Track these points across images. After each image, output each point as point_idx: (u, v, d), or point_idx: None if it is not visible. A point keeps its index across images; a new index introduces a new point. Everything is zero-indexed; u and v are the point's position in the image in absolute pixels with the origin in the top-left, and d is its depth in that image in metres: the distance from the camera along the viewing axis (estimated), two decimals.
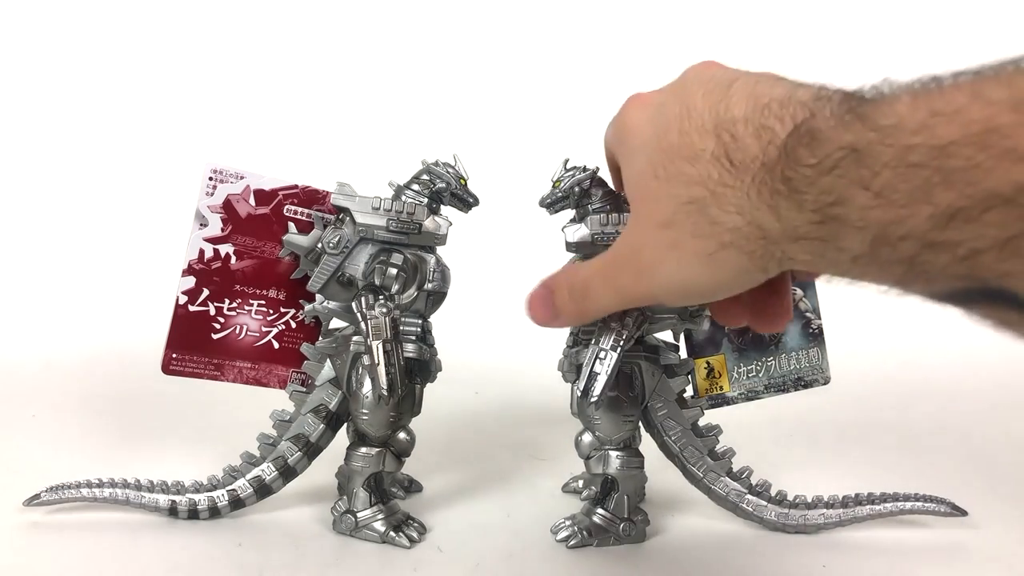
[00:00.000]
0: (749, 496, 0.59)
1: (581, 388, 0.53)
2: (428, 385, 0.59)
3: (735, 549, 0.58)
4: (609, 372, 0.52)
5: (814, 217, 0.33)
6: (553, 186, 0.56)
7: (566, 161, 0.57)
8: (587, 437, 0.58)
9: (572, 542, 0.57)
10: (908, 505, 0.60)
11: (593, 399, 0.53)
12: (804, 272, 0.42)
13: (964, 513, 0.61)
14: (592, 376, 0.53)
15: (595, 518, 0.58)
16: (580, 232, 0.55)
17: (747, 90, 0.38)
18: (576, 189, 0.55)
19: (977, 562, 0.57)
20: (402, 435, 0.58)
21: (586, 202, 0.56)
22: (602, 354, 0.53)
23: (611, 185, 0.55)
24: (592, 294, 0.46)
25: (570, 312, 0.48)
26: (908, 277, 0.32)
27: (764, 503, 0.60)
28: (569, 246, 0.56)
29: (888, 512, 0.60)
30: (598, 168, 0.55)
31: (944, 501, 0.61)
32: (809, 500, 0.60)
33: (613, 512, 0.58)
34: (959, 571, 0.56)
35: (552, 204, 0.57)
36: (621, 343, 0.53)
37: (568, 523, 0.59)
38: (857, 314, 1.08)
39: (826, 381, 0.62)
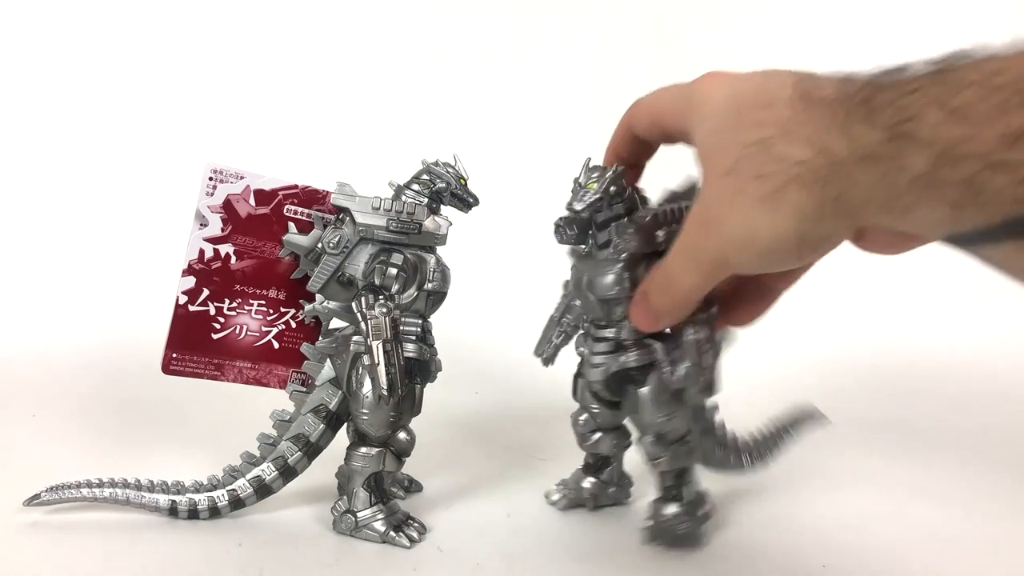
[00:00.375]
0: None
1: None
2: (428, 385, 0.59)
3: (735, 549, 0.58)
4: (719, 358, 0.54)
5: (884, 135, 0.35)
6: (585, 187, 0.53)
7: (588, 160, 0.55)
8: (646, 438, 0.57)
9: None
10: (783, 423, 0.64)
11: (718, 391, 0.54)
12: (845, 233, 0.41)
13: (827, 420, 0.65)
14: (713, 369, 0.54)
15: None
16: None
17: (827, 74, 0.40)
18: (612, 188, 0.53)
19: (976, 561, 0.57)
20: (402, 435, 0.58)
21: (616, 201, 0.53)
22: (706, 346, 0.53)
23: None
24: (674, 276, 0.47)
25: (663, 305, 0.49)
26: (962, 200, 0.33)
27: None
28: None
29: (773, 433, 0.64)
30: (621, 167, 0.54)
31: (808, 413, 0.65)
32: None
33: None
34: (959, 570, 0.56)
35: (592, 205, 0.53)
36: (710, 325, 0.53)
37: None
38: (853, 308, 1.08)
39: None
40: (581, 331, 0.60)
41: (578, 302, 0.58)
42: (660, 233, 0.53)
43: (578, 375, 0.60)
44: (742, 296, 0.52)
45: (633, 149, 0.54)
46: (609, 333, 0.56)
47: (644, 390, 0.55)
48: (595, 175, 0.53)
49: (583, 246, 0.56)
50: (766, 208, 0.39)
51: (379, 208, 0.56)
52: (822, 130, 0.37)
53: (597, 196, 0.53)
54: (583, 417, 0.61)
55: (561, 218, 0.55)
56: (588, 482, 0.62)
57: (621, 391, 0.57)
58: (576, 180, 0.54)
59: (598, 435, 0.61)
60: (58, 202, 1.05)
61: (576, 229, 0.54)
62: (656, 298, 0.49)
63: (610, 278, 0.53)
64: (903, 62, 0.37)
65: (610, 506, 0.63)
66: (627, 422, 0.61)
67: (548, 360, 0.62)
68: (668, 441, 0.56)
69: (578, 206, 0.53)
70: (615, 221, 0.53)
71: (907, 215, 0.36)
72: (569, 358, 0.62)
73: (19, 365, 0.87)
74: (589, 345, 0.57)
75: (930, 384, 0.96)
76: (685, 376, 0.53)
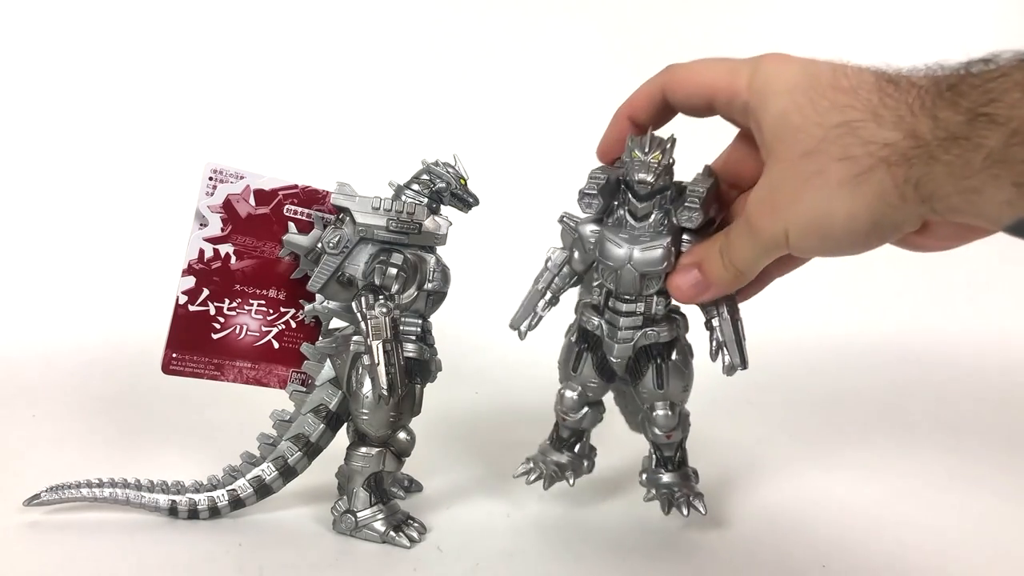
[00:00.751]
0: None
1: (739, 360, 0.55)
2: (428, 385, 0.59)
3: (734, 548, 0.58)
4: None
5: (966, 116, 0.36)
6: (648, 158, 0.53)
7: (649, 131, 0.54)
8: (663, 410, 0.58)
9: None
10: None
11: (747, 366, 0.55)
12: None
13: None
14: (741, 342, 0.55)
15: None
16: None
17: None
18: (672, 160, 0.54)
19: (976, 560, 0.57)
20: (402, 435, 0.58)
21: (670, 174, 0.54)
22: (739, 324, 0.55)
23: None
24: (735, 251, 0.47)
25: (718, 278, 0.49)
26: None
27: None
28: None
29: None
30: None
31: None
32: None
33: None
34: (959, 569, 0.56)
35: (661, 176, 0.53)
36: (733, 303, 0.55)
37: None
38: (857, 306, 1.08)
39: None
40: (587, 302, 0.59)
41: (601, 274, 0.56)
42: (712, 209, 0.54)
43: (585, 349, 0.59)
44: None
45: (654, 114, 0.53)
46: (638, 307, 0.56)
47: (673, 362, 0.57)
48: (657, 146, 0.53)
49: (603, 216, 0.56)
50: (845, 191, 0.39)
51: (379, 208, 0.56)
52: (911, 114, 0.38)
53: (667, 166, 0.53)
54: (574, 393, 0.60)
55: (591, 185, 0.54)
56: (564, 457, 0.62)
57: (637, 364, 0.58)
58: (632, 151, 0.53)
59: (585, 410, 0.60)
60: (58, 202, 1.04)
61: (603, 199, 0.54)
62: (712, 270, 0.50)
63: (659, 252, 0.53)
64: (990, 52, 0.38)
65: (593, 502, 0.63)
66: (611, 396, 0.62)
67: (529, 330, 0.59)
68: (679, 413, 0.58)
69: (649, 177, 0.53)
70: (660, 194, 0.53)
71: (976, 197, 0.37)
72: (554, 344, 0.61)
73: (19, 365, 0.87)
74: (610, 318, 0.56)
75: (931, 384, 0.96)
76: (731, 353, 0.55)
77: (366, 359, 0.55)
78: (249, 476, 0.59)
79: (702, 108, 0.50)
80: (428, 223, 0.56)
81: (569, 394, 0.60)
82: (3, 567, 0.52)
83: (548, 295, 0.59)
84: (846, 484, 0.67)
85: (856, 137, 0.39)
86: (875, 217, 0.40)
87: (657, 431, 0.58)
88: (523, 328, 0.59)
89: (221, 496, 0.59)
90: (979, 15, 1.17)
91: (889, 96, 0.39)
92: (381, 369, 0.54)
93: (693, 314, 0.59)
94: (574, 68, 1.15)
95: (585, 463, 0.62)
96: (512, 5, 1.16)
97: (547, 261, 0.59)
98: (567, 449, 0.62)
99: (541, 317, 0.59)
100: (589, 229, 0.56)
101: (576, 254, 0.57)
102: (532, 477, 0.61)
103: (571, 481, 0.61)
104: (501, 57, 1.15)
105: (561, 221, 0.58)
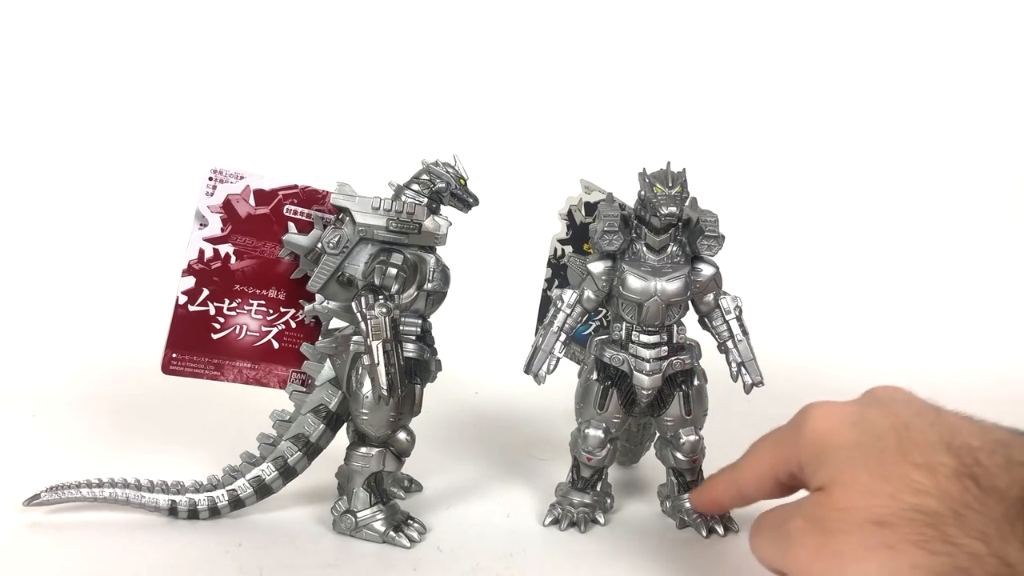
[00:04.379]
0: None
1: (759, 378, 0.59)
2: (428, 385, 0.59)
3: (734, 548, 0.58)
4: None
5: None
6: (672, 192, 0.56)
7: (668, 164, 0.57)
8: (688, 436, 0.60)
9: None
10: None
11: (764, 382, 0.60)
12: None
13: None
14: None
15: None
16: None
17: (960, 421, 0.41)
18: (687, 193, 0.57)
19: None
20: (402, 435, 0.58)
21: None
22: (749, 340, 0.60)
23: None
24: (763, 552, 0.45)
25: (756, 546, 0.46)
26: None
27: None
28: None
29: None
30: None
31: None
32: None
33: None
34: None
35: (683, 210, 0.56)
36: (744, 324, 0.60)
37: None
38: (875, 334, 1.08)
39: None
40: (605, 339, 0.60)
41: (621, 308, 0.58)
42: None
43: (609, 386, 0.59)
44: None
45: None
46: (662, 336, 0.58)
47: (695, 388, 0.60)
48: (676, 179, 0.56)
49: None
50: None
51: (379, 208, 0.56)
52: (998, 534, 0.35)
53: (686, 197, 0.57)
54: (598, 431, 0.60)
55: (610, 223, 0.56)
56: (588, 497, 0.61)
57: (661, 394, 0.59)
58: (652, 187, 0.56)
59: (607, 448, 0.60)
60: (58, 202, 1.04)
61: (624, 234, 0.57)
62: (756, 542, 0.46)
63: (682, 282, 0.57)
64: None
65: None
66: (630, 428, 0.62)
67: (548, 373, 0.59)
68: (701, 437, 0.61)
69: (675, 210, 0.55)
70: (672, 227, 0.57)
71: None
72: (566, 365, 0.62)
73: (19, 365, 0.87)
74: (635, 351, 0.58)
75: (931, 383, 0.96)
76: (751, 372, 0.59)
77: (366, 359, 0.55)
78: (249, 476, 0.59)
79: (778, 492, 0.49)
80: (428, 223, 0.56)
81: (593, 433, 0.60)
82: (3, 567, 0.52)
83: (563, 336, 0.59)
84: None
85: (937, 531, 0.36)
86: None
87: (682, 457, 0.60)
88: (542, 373, 0.59)
89: (221, 496, 0.59)
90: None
91: (972, 495, 0.36)
92: (381, 369, 0.54)
93: (699, 335, 0.61)
94: (574, 68, 1.15)
95: (608, 500, 0.62)
96: (512, 5, 1.16)
97: (558, 302, 0.59)
98: (590, 488, 0.61)
99: (559, 359, 0.60)
100: (600, 267, 0.58)
101: (588, 293, 0.58)
102: (564, 524, 0.60)
103: (602, 520, 0.61)
104: (501, 57, 1.15)
105: (569, 262, 0.59)
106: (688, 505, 0.60)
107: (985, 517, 0.36)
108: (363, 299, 0.55)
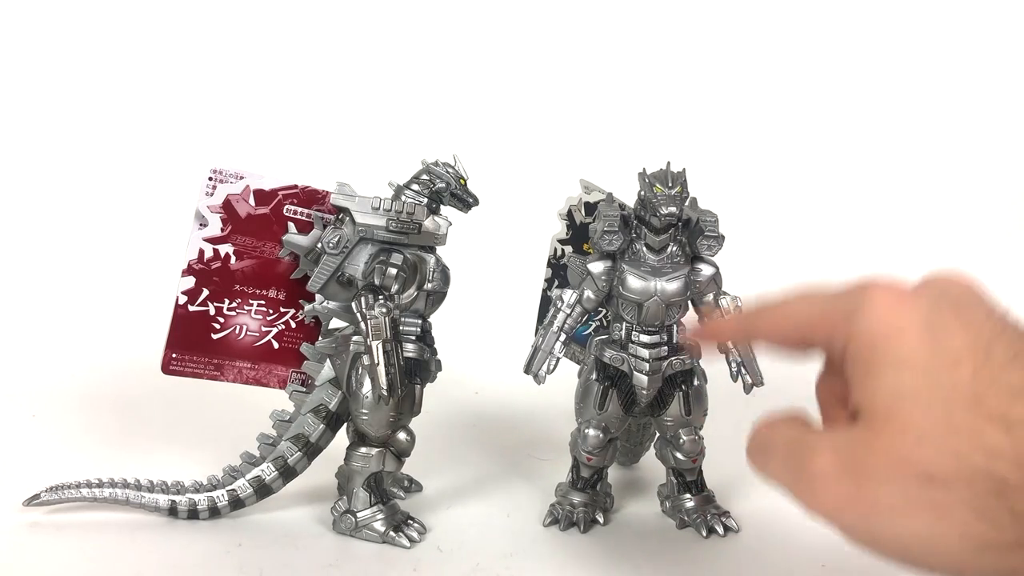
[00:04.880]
0: None
1: (759, 379, 0.59)
2: (428, 385, 0.59)
3: (735, 548, 0.58)
4: None
5: None
6: (673, 192, 0.56)
7: (668, 164, 0.57)
8: (688, 436, 0.60)
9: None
10: None
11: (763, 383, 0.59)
12: None
13: None
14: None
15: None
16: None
17: None
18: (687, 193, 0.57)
19: None
20: (402, 435, 0.58)
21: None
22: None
23: None
24: (767, 462, 0.39)
25: (760, 465, 0.40)
26: None
27: None
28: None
29: None
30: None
31: None
32: None
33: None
34: None
35: (683, 209, 0.57)
36: None
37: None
38: None
39: None
40: (605, 339, 0.60)
41: (621, 308, 0.58)
42: None
43: (609, 386, 0.59)
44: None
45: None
46: (662, 336, 0.58)
47: (695, 388, 0.60)
48: (676, 179, 0.56)
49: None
50: (970, 549, 0.32)
51: (379, 208, 0.56)
52: None
53: (686, 197, 0.57)
54: (598, 431, 0.60)
55: (610, 224, 0.56)
56: (588, 496, 0.61)
57: (661, 394, 0.59)
58: (652, 187, 0.56)
59: (608, 448, 0.61)
60: (58, 202, 1.04)
61: (624, 234, 0.57)
62: (766, 463, 0.40)
63: (682, 282, 0.57)
64: None
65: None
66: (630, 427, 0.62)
67: (548, 373, 0.59)
68: (701, 437, 0.61)
69: (675, 210, 0.55)
70: (672, 227, 0.57)
71: None
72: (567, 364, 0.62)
73: (19, 365, 0.87)
74: (635, 351, 0.58)
75: None
76: (751, 373, 0.59)
77: (366, 359, 0.55)
78: (249, 476, 0.59)
79: (797, 351, 0.42)
80: (428, 223, 0.56)
81: (593, 433, 0.60)
82: (3, 567, 0.52)
83: (563, 336, 0.59)
84: None
85: (1001, 501, 0.30)
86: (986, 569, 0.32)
87: (682, 457, 0.60)
88: (542, 373, 0.59)
89: (221, 496, 0.59)
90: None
91: None
92: (381, 369, 0.54)
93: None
94: (573, 69, 1.15)
95: (608, 500, 0.62)
96: (512, 5, 1.16)
97: (558, 302, 0.59)
98: (590, 488, 0.62)
99: (559, 359, 0.60)
100: (600, 267, 0.58)
101: (588, 293, 0.58)
102: (564, 524, 0.60)
103: (602, 520, 0.61)
104: (501, 58, 1.15)
105: (569, 262, 0.59)
106: (688, 505, 0.60)
107: None
108: (363, 299, 0.55)
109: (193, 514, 0.59)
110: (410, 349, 0.57)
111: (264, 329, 0.60)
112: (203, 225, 0.57)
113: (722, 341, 0.53)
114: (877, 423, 0.34)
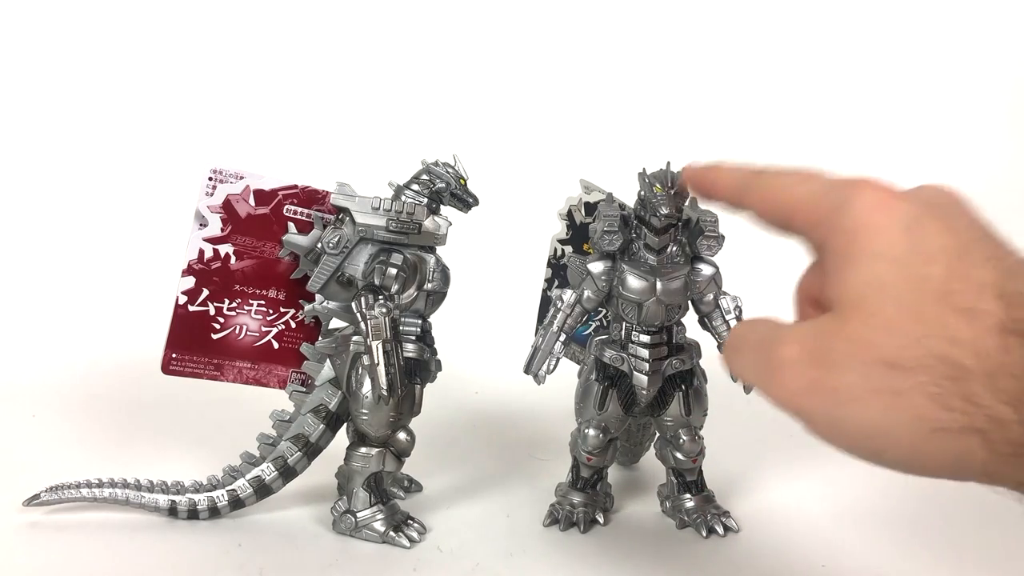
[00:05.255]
0: None
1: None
2: (428, 385, 0.59)
3: (735, 548, 0.58)
4: None
5: None
6: (674, 192, 0.55)
7: (668, 164, 0.57)
8: (688, 436, 0.60)
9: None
10: None
11: None
12: None
13: None
14: None
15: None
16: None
17: (1019, 262, 0.34)
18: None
19: (977, 559, 0.57)
20: (402, 435, 0.58)
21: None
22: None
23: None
24: (756, 375, 0.38)
25: (738, 368, 0.41)
26: None
27: None
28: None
29: None
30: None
31: None
32: None
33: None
34: (960, 569, 0.56)
35: (682, 209, 0.56)
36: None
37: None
38: None
39: None
40: (605, 339, 0.60)
41: (621, 309, 0.58)
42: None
43: (609, 386, 0.59)
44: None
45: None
46: (662, 336, 0.58)
47: (694, 388, 0.60)
48: (678, 180, 0.56)
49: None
50: (923, 435, 0.32)
51: (379, 208, 0.56)
52: None
53: (686, 197, 0.56)
54: (598, 431, 0.60)
55: (610, 223, 0.56)
56: (588, 496, 0.61)
57: (661, 394, 0.59)
58: (651, 187, 0.56)
59: (608, 448, 0.61)
60: (58, 202, 1.05)
61: (624, 234, 0.57)
62: (740, 366, 0.40)
63: (681, 282, 0.57)
64: None
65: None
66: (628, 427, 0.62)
67: (548, 373, 0.60)
68: (701, 437, 0.61)
69: (673, 210, 0.55)
70: (672, 227, 0.56)
71: None
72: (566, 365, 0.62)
73: (19, 365, 0.87)
74: (635, 352, 0.58)
75: None
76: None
77: (366, 359, 0.55)
78: (249, 476, 0.59)
79: (779, 228, 0.42)
80: (428, 223, 0.56)
81: (592, 433, 0.60)
82: (3, 567, 0.52)
83: (563, 336, 0.59)
84: (846, 483, 0.67)
85: (958, 387, 0.32)
86: (946, 469, 0.34)
87: (682, 457, 0.60)
88: (542, 373, 0.59)
89: (221, 496, 0.59)
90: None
91: (1012, 357, 0.31)
92: (381, 369, 0.54)
93: (699, 335, 0.61)
94: (573, 69, 1.15)
95: (608, 500, 0.62)
96: (512, 6, 1.16)
97: (558, 302, 0.59)
98: (590, 488, 0.62)
99: (559, 359, 0.60)
100: (600, 267, 0.58)
101: (588, 293, 0.58)
102: (564, 524, 0.60)
103: (602, 520, 0.61)
104: (501, 58, 1.15)
105: (569, 262, 0.59)
106: (688, 505, 0.60)
107: (1019, 389, 0.31)
108: (363, 299, 0.55)
109: (193, 514, 0.59)
110: (410, 349, 0.57)
111: (264, 329, 0.60)
112: (203, 225, 0.57)
113: (714, 193, 0.47)
114: (847, 312, 0.34)
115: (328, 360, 0.59)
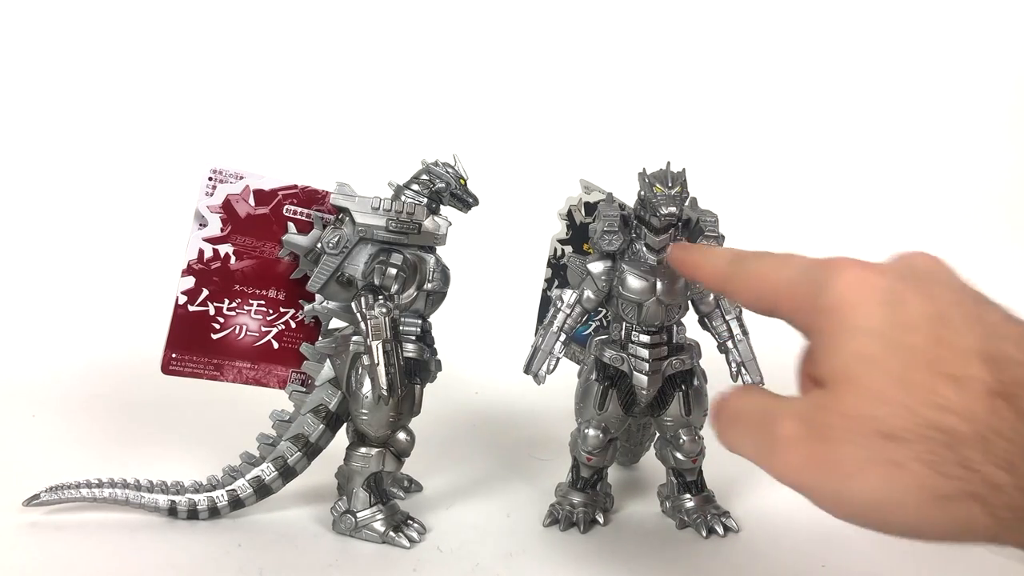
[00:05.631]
0: None
1: (759, 378, 0.59)
2: (428, 385, 0.59)
3: (735, 548, 0.58)
4: None
5: None
6: (673, 192, 0.55)
7: (668, 164, 0.57)
8: (688, 436, 0.60)
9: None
10: None
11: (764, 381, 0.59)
12: None
13: None
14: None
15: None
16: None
17: (1005, 323, 0.34)
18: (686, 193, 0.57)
19: (977, 560, 0.57)
20: (402, 435, 0.58)
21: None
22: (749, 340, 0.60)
23: None
24: (745, 448, 0.39)
25: (725, 435, 0.41)
26: None
27: None
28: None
29: None
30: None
31: None
32: None
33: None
34: (959, 568, 0.56)
35: (683, 209, 0.56)
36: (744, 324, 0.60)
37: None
38: None
39: None
40: (605, 339, 0.60)
41: (621, 309, 0.58)
42: None
43: (609, 386, 0.59)
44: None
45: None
46: (662, 336, 0.58)
47: (695, 388, 0.60)
48: (676, 179, 0.56)
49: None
50: (928, 503, 0.33)
51: (379, 208, 0.56)
52: None
53: (686, 197, 0.56)
54: (598, 431, 0.60)
55: (610, 223, 0.56)
56: (588, 496, 0.61)
57: (661, 394, 0.59)
58: (652, 187, 0.55)
59: (608, 448, 0.61)
60: (58, 202, 1.05)
61: (624, 234, 0.57)
62: (728, 429, 0.41)
63: (680, 282, 0.57)
64: None
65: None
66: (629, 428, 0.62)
67: (548, 373, 0.60)
68: (701, 437, 0.61)
69: (674, 210, 0.55)
70: (672, 227, 0.56)
71: None
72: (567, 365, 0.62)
73: (19, 365, 0.87)
74: (635, 351, 0.58)
75: None
76: (751, 372, 0.59)
77: (366, 359, 0.55)
78: (249, 476, 0.59)
79: (766, 315, 0.42)
80: (428, 223, 0.56)
81: (592, 433, 0.60)
82: (3, 567, 0.52)
83: (563, 336, 0.59)
84: None
85: (953, 453, 0.32)
86: (958, 535, 0.34)
87: (682, 457, 0.60)
88: (542, 373, 0.59)
89: (221, 496, 0.59)
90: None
91: (1006, 422, 0.32)
92: (381, 369, 0.54)
93: (699, 335, 0.61)
94: (573, 69, 1.15)
95: (608, 500, 0.62)
96: (512, 6, 1.16)
97: (558, 302, 0.59)
98: (590, 488, 0.62)
99: (559, 359, 0.60)
100: (600, 267, 0.58)
101: (588, 293, 0.58)
102: (564, 524, 0.60)
103: (602, 520, 0.61)
104: (501, 58, 1.15)
105: (569, 262, 0.59)
106: (688, 505, 0.60)
107: (1016, 446, 0.31)
108: (363, 299, 0.55)
109: (193, 514, 0.59)
110: (410, 349, 0.57)
111: (264, 329, 0.60)
112: (203, 225, 0.57)
113: (698, 279, 0.50)
114: (838, 387, 0.35)
115: (328, 360, 0.59)
